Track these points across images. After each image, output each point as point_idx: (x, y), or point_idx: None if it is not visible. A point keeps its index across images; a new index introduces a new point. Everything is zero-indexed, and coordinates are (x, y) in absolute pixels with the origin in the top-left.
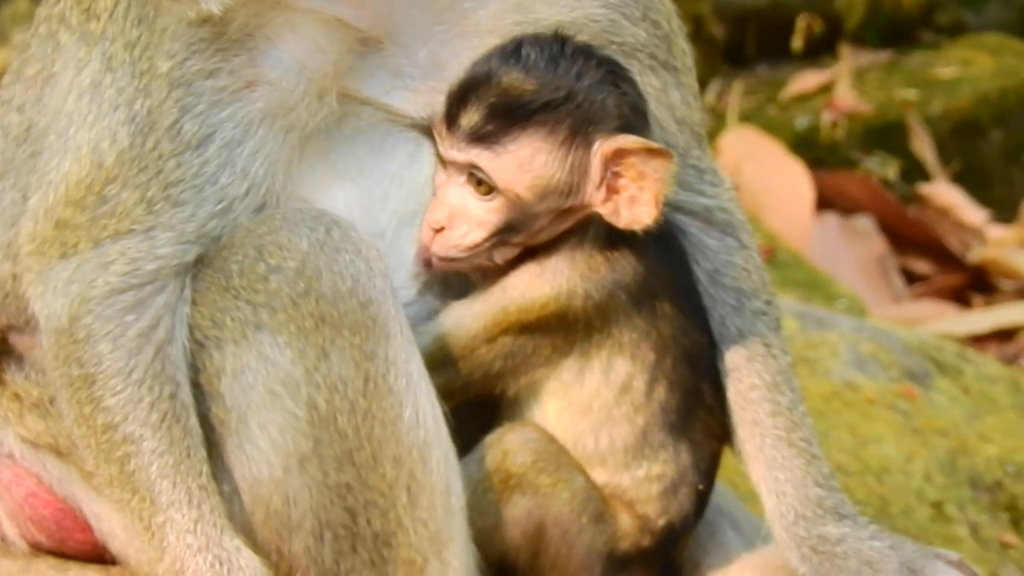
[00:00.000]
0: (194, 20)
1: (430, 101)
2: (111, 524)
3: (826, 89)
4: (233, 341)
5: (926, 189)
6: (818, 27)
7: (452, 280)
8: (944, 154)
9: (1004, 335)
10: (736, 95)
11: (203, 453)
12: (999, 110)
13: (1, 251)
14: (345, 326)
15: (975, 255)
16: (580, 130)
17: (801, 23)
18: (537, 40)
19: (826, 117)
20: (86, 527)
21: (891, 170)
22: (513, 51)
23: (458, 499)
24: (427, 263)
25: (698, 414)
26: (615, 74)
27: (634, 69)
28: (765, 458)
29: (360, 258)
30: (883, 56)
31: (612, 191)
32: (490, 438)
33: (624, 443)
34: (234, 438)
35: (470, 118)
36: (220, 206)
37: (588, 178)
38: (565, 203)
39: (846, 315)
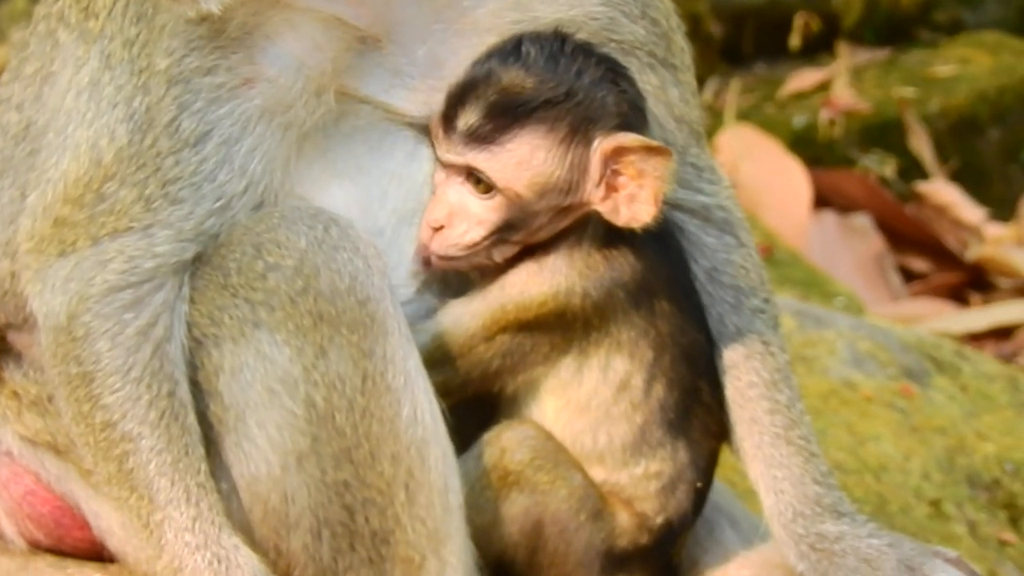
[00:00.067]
0: (193, 18)
1: (429, 99)
2: (109, 522)
3: (824, 87)
4: (231, 339)
5: (924, 187)
6: (816, 25)
7: (451, 278)
8: (942, 152)
9: (1002, 333)
10: (734, 93)
11: (201, 451)
12: (997, 108)
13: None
14: (343, 324)
15: (973, 253)
16: (580, 128)
17: (799, 21)
18: (537, 38)
19: (824, 115)
20: (84, 525)
21: (889, 168)
22: (513, 49)
23: (456, 497)
24: (426, 262)
25: (696, 412)
26: (614, 72)
27: (633, 67)
28: (763, 456)
29: (358, 256)
30: (881, 54)
31: (611, 189)
32: (488, 435)
33: (622, 441)
34: (232, 436)
35: (468, 119)
36: (218, 204)
37: (587, 176)
38: (564, 201)
39: (844, 313)
